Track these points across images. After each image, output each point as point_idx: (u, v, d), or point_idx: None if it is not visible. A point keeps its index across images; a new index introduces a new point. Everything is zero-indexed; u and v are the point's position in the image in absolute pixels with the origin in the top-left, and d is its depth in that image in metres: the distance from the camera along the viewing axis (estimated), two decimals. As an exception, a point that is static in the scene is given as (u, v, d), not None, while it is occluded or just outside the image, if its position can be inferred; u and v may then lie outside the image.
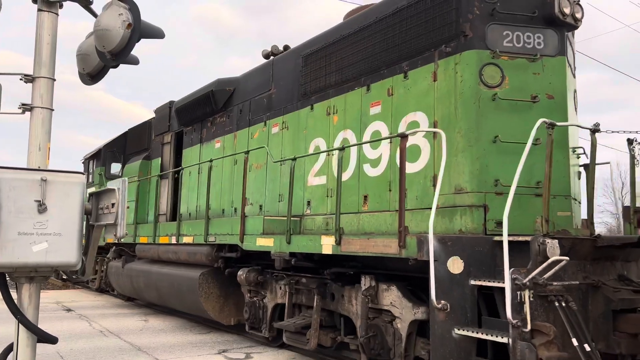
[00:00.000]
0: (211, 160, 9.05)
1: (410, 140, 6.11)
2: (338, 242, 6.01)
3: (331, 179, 7.31)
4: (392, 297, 5.85)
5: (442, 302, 4.79)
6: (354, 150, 6.99)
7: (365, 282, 6.09)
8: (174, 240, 9.96)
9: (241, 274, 8.08)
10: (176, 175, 11.81)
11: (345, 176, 7.05)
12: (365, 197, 6.70)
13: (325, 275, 6.80)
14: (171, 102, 12.52)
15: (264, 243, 7.37)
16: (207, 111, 10.55)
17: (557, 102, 5.71)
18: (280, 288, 7.66)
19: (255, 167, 9.06)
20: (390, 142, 6.44)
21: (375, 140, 6.47)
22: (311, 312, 6.86)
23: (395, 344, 5.77)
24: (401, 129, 6.29)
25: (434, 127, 5.85)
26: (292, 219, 7.29)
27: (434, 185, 5.75)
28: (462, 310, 4.85)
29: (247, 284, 7.99)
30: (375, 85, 6.79)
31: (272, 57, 9.18)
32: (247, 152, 8.06)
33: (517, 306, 4.36)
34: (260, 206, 8.76)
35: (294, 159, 6.99)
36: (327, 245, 6.21)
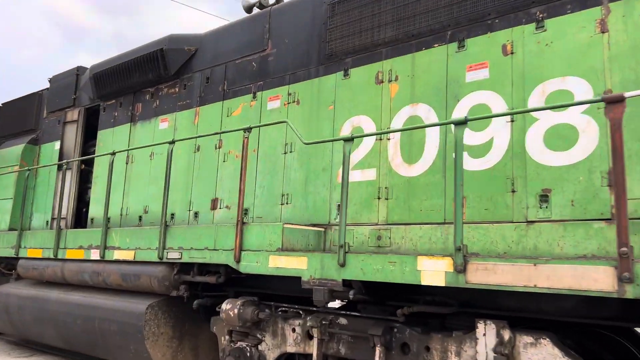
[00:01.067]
0: (173, 142, 6.25)
1: (556, 119, 4.11)
2: (461, 268, 3.76)
3: (387, 174, 5.04)
4: (542, 357, 3.73)
5: None
6: (432, 133, 4.81)
7: (488, 329, 3.91)
8: (95, 256, 6.88)
9: (229, 307, 5.41)
10: (83, 165, 8.67)
11: (417, 170, 4.85)
12: (464, 198, 4.53)
13: (392, 317, 4.50)
14: (79, 68, 9.29)
15: (289, 264, 4.83)
16: (149, 79, 7.68)
17: None
18: (294, 330, 5.17)
19: (235, 156, 6.45)
20: (512, 121, 4.38)
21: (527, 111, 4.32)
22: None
23: None
24: (536, 101, 4.26)
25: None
26: (315, 229, 4.93)
27: (611, 185, 3.79)
28: None
29: (240, 322, 5.34)
30: (476, 41, 4.71)
31: (269, 7, 6.68)
32: (248, 130, 5.44)
33: None
34: (246, 210, 6.17)
35: (351, 139, 4.60)
36: (433, 272, 3.92)
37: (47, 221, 9.05)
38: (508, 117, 4.38)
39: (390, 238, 4.93)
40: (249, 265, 5.15)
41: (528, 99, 4.32)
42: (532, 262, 3.50)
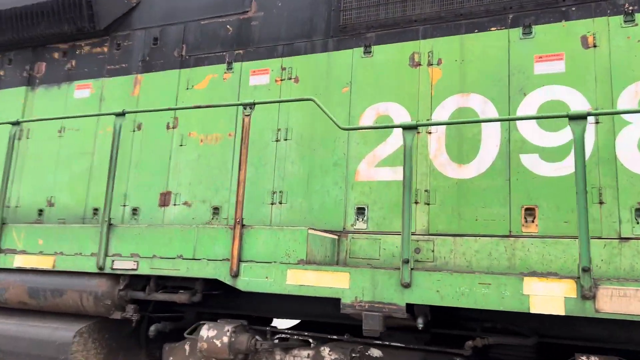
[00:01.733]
0: (123, 113, 4.68)
1: (652, 123, 3.66)
2: (590, 294, 3.06)
3: (427, 174, 4.21)
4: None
5: None
6: (490, 129, 4.10)
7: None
8: (-20, 262, 4.97)
9: (213, 335, 4.08)
10: None
11: (471, 171, 4.10)
12: (531, 209, 3.87)
13: (453, 349, 3.67)
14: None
15: (320, 282, 3.72)
16: (64, 31, 5.89)
17: None
18: (303, 365, 4.06)
19: (200, 140, 5.10)
20: (597, 122, 3.83)
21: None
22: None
23: None
24: (627, 101, 3.77)
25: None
26: (331, 236, 3.97)
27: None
28: None
29: (231, 354, 4.04)
30: (546, 28, 4.10)
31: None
32: (250, 106, 4.18)
33: None
34: (216, 208, 4.87)
35: (415, 127, 3.66)
36: (547, 298, 3.17)
37: None
38: (592, 118, 3.83)
39: (433, 251, 4.08)
40: (253, 281, 3.92)
41: (617, 99, 3.81)
42: (692, 288, 2.92)
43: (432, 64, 4.40)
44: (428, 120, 4.31)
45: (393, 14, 4.60)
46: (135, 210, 5.22)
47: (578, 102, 3.90)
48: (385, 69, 4.55)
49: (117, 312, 4.52)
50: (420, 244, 4.13)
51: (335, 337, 4.07)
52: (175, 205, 5.06)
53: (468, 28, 4.35)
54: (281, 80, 4.92)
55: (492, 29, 4.27)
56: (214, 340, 4.07)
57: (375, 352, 3.94)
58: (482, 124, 4.11)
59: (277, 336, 4.24)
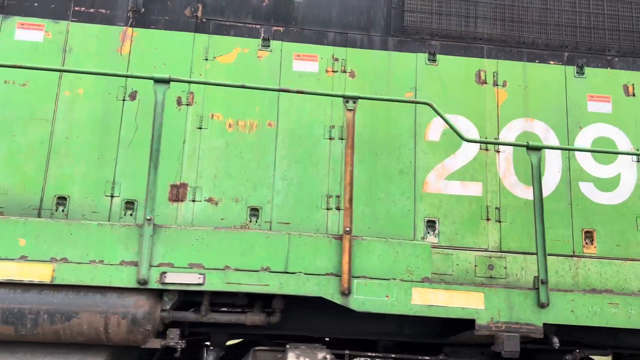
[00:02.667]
0: (168, 81, 3.58)
1: (677, 168, 4.49)
2: (695, 312, 3.61)
3: (497, 192, 4.32)
4: None
5: None
6: (552, 155, 4.42)
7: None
8: None
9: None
10: None
11: (531, 191, 4.36)
12: (590, 233, 4.32)
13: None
14: None
15: (451, 302, 3.49)
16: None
17: None
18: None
19: (228, 125, 4.22)
20: (638, 160, 4.48)
21: None
22: None
23: None
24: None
25: None
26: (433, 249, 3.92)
27: None
28: None
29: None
30: (598, 72, 4.62)
31: None
32: (353, 99, 3.63)
33: None
34: (254, 209, 4.10)
35: (539, 150, 3.72)
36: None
37: None
38: (634, 157, 4.47)
39: (506, 268, 4.20)
40: (369, 300, 3.46)
41: (651, 143, 4.52)
42: None
43: (497, 85, 4.52)
44: (495, 138, 4.41)
45: (457, 26, 4.57)
46: (130, 204, 4.02)
47: (622, 141, 4.50)
48: (452, 81, 4.49)
49: (154, 339, 3.44)
50: (492, 261, 4.20)
51: (426, 357, 3.84)
52: (194, 201, 4.07)
53: (529, 57, 4.60)
54: (333, 71, 4.41)
55: (551, 62, 4.60)
56: (301, 371, 3.44)
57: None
58: (546, 150, 4.40)
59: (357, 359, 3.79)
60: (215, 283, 3.39)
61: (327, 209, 4.18)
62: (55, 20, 4.26)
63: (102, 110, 4.15)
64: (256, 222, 4.09)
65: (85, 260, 3.34)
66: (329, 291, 3.44)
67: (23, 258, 3.31)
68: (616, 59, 4.66)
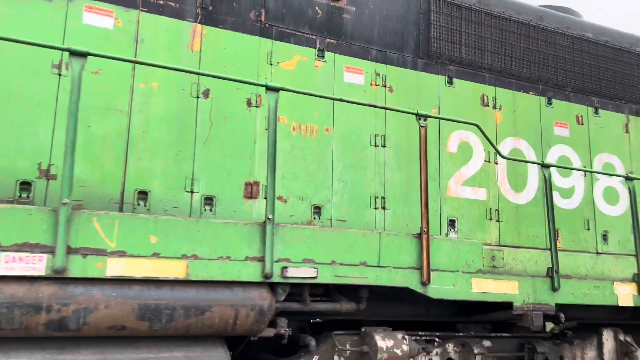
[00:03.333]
0: (277, 90, 3.85)
1: (608, 182, 5.95)
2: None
3: (496, 196, 5.32)
4: None
5: None
6: (533, 169, 5.55)
7: (609, 335, 5.28)
8: (37, 268, 3.08)
9: (391, 345, 4.04)
10: None
11: (523, 198, 5.47)
12: (558, 231, 5.54)
13: (535, 333, 5.00)
14: None
15: (498, 289, 4.37)
16: None
17: None
18: (432, 362, 4.54)
19: (292, 128, 4.56)
20: (585, 175, 5.82)
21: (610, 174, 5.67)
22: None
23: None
24: (596, 166, 5.90)
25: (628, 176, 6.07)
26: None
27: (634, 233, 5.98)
28: None
29: (406, 362, 4.10)
30: (560, 104, 5.84)
31: None
32: (423, 117, 4.26)
33: None
34: (317, 207, 4.52)
35: (548, 167, 4.76)
36: (625, 295, 4.93)
37: None
38: (581, 173, 5.79)
39: (503, 259, 5.22)
40: (442, 289, 4.19)
41: (593, 163, 5.89)
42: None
43: (495, 108, 5.49)
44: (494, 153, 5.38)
45: (469, 56, 5.43)
46: (209, 200, 4.17)
47: (575, 160, 5.79)
48: (464, 101, 5.34)
49: (268, 328, 3.74)
50: (494, 253, 5.19)
51: (460, 334, 4.68)
52: (265, 198, 4.35)
53: (517, 86, 5.65)
54: (376, 85, 4.97)
55: (531, 92, 5.71)
56: (394, 350, 4.06)
57: (486, 343, 4.79)
58: (528, 165, 5.49)
59: (414, 338, 4.47)
60: (326, 276, 3.81)
61: (375, 208, 4.77)
62: (125, 8, 4.14)
63: (177, 106, 4.18)
64: (319, 219, 4.51)
65: (214, 257, 3.51)
66: (412, 282, 4.08)
67: (155, 255, 3.37)
68: (572, 94, 5.94)
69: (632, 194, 5.33)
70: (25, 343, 3.19)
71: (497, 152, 4.70)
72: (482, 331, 5.05)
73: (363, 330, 4.21)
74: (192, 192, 4.13)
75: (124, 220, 3.34)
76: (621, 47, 6.27)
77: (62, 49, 3.45)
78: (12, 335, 3.11)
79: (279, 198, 4.40)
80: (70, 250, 3.16)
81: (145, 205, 3.97)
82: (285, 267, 3.68)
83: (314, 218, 4.50)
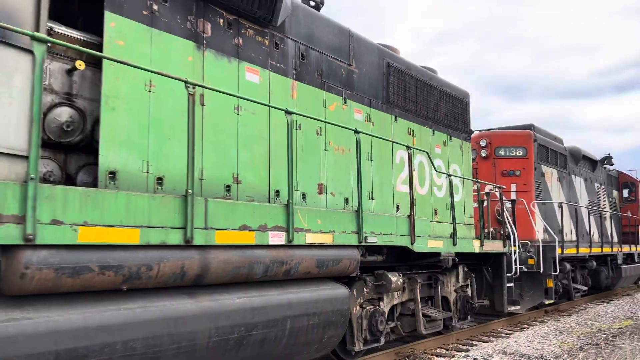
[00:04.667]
0: (328, 124, 6.61)
1: (455, 181, 10.06)
2: (482, 245, 9.19)
3: (414, 191, 8.86)
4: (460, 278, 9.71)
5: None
6: (427, 174, 9.24)
7: (461, 269, 9.43)
8: (276, 240, 5.41)
9: (395, 279, 7.26)
10: (82, 65, 4.92)
11: (423, 191, 9.14)
12: (436, 210, 9.37)
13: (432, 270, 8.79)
14: None
15: (435, 245, 7.92)
16: (242, 6, 5.94)
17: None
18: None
19: (334, 149, 7.28)
20: (448, 177, 9.76)
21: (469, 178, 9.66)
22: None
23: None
24: (451, 171, 9.91)
25: (463, 177, 10.27)
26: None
27: (464, 211, 10.27)
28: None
29: (395, 289, 7.34)
30: (438, 133, 9.62)
31: (348, 28, 7.69)
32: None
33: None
34: (347, 199, 7.37)
35: (450, 178, 8.49)
36: (476, 246, 9.03)
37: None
38: (445, 175, 9.73)
39: (434, 229, 8.81)
40: (419, 246, 7.55)
41: (449, 170, 9.87)
42: (491, 241, 9.59)
43: (413, 136, 8.94)
44: (414, 165, 8.86)
45: (404, 103, 8.74)
46: (304, 195, 6.66)
47: (444, 168, 9.68)
48: (401, 133, 8.65)
49: (355, 272, 6.55)
50: (432, 225, 8.72)
51: (411, 272, 8.09)
52: (326, 194, 7.01)
53: (421, 122, 9.19)
54: (366, 121, 7.92)
55: (425, 126, 9.33)
56: (397, 282, 7.28)
57: (420, 277, 8.31)
58: (426, 172, 9.14)
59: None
60: (379, 241, 6.77)
61: (369, 199, 7.78)
62: (263, 69, 6.27)
63: (285, 134, 6.49)
64: (347, 207, 7.34)
65: (342, 231, 6.17)
66: (408, 243, 7.31)
67: (320, 231, 5.90)
68: (442, 127, 9.78)
69: (450, 185, 9.41)
70: (272, 284, 5.45)
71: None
72: (416, 268, 8.53)
73: (377, 272, 7.28)
74: (297, 190, 6.56)
75: (309, 211, 5.78)
76: (460, 97, 10.36)
77: (237, 96, 5.53)
78: (269, 279, 5.36)
79: (331, 194, 7.09)
80: (294, 229, 5.51)
81: (278, 200, 6.28)
82: (366, 237, 6.53)
83: (345, 207, 7.31)
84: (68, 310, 3.76)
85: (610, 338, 9.87)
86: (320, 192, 6.89)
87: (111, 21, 4.76)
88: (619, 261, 17.36)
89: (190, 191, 4.53)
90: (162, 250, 4.35)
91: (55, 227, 3.67)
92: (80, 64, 4.53)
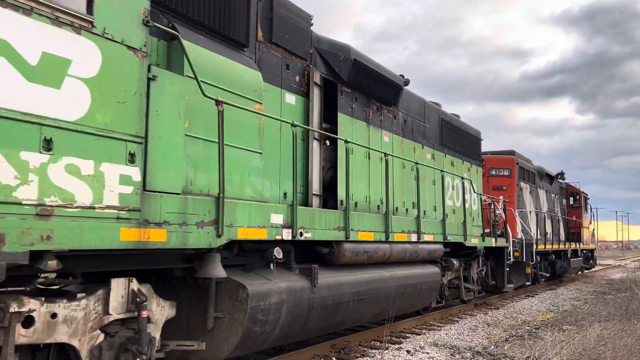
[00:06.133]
0: (417, 164, 10.71)
1: (473, 195, 14.33)
2: (496, 241, 13.50)
3: (456, 205, 13.03)
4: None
5: (510, 261, 14.72)
6: (460, 192, 13.42)
7: (480, 258, 13.73)
8: (413, 238, 9.45)
9: (456, 263, 11.40)
10: (328, 142, 8.71)
11: (458, 204, 13.32)
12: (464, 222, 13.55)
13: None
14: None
15: (474, 241, 12.12)
16: (382, 96, 9.85)
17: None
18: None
19: (422, 179, 11.33)
20: (479, 195, 13.98)
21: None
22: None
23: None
24: (466, 192, 14.13)
25: (480, 194, 14.48)
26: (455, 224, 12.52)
27: (479, 216, 14.55)
28: (503, 263, 14.83)
29: (456, 269, 11.49)
30: (465, 163, 13.81)
31: (423, 99, 11.72)
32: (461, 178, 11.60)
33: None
34: (424, 212, 11.41)
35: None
36: (493, 242, 13.32)
37: (285, 193, 7.43)
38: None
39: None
40: (468, 242, 11.70)
41: (465, 186, 14.12)
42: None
43: (454, 166, 13.09)
44: (456, 187, 13.04)
45: (450, 144, 12.87)
46: (406, 210, 10.66)
47: (459, 183, 13.92)
48: (448, 165, 12.77)
49: (439, 259, 10.61)
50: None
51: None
52: (416, 209, 11.03)
53: (454, 156, 13.36)
54: (432, 158, 11.98)
55: (456, 157, 13.51)
56: (456, 264, 11.43)
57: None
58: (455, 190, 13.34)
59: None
60: (452, 239, 10.88)
61: (434, 211, 11.86)
62: (389, 133, 10.21)
63: (399, 172, 10.46)
64: (425, 217, 11.38)
65: (436, 233, 10.23)
66: (462, 240, 11.47)
67: (430, 232, 9.93)
68: (464, 157, 13.98)
69: (478, 199, 13.68)
70: (410, 264, 9.44)
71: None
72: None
73: (444, 258, 11.39)
74: (407, 208, 10.54)
75: (424, 221, 9.82)
76: (476, 136, 14.60)
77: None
78: (409, 261, 9.35)
79: (424, 211, 11.14)
80: (420, 232, 9.53)
81: (397, 213, 10.24)
82: (447, 236, 10.62)
83: (422, 217, 11.36)
84: (354, 272, 7.66)
85: (534, 330, 10.55)
86: (413, 207, 10.92)
87: (340, 117, 8.60)
88: (569, 255, 22.31)
89: (384, 212, 8.42)
90: (378, 244, 8.28)
91: (353, 232, 7.55)
92: (327, 142, 8.38)
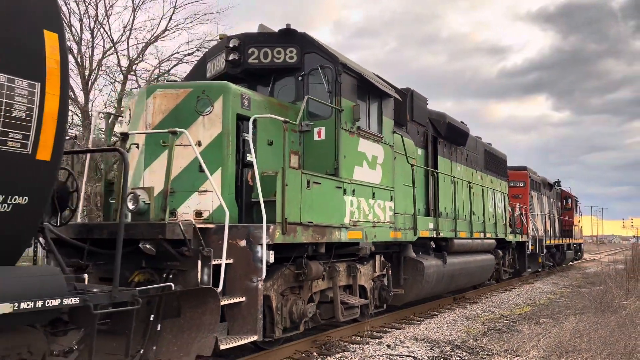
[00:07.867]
0: (483, 187, 15.74)
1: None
2: (521, 237, 18.58)
3: (495, 213, 18.03)
4: (510, 254, 19.14)
5: (529, 252, 19.86)
6: (498, 201, 18.42)
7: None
8: (481, 235, 14.46)
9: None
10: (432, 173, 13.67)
11: (493, 210, 18.32)
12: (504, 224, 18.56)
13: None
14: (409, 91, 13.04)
15: (511, 237, 17.15)
16: (458, 140, 14.78)
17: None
18: (493, 257, 17.08)
19: (474, 194, 16.30)
20: (510, 205, 19.01)
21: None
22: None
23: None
24: (498, 201, 19.14)
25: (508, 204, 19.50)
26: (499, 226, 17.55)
27: (506, 218, 19.61)
28: (524, 254, 19.95)
29: (500, 257, 16.52)
30: (498, 179, 18.80)
31: (476, 137, 16.70)
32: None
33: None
34: (478, 217, 16.38)
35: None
36: (519, 238, 18.39)
37: (419, 209, 12.29)
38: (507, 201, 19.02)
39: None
40: (508, 239, 16.74)
41: (496, 198, 19.16)
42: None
43: (492, 182, 18.13)
44: (494, 199, 18.06)
45: (484, 165, 17.90)
46: (471, 217, 15.64)
47: (499, 200, 18.97)
48: (489, 181, 17.80)
49: (494, 251, 15.63)
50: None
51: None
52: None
53: (481, 171, 18.40)
54: (481, 179, 16.97)
55: (493, 176, 18.54)
56: (502, 254, 16.48)
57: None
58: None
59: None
60: (502, 236, 15.91)
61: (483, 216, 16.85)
62: (458, 164, 15.18)
63: (466, 191, 15.40)
64: (478, 221, 16.37)
65: (492, 232, 15.24)
66: (505, 237, 16.51)
67: (480, 231, 14.93)
68: (498, 176, 19.02)
69: (505, 206, 18.75)
70: (477, 253, 14.45)
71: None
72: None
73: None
74: (466, 215, 15.52)
75: (474, 224, 14.84)
76: (503, 158, 19.62)
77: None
78: (477, 251, 14.35)
79: (477, 217, 16.13)
80: (485, 232, 14.54)
81: (466, 220, 15.22)
82: (499, 234, 15.65)
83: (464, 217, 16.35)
84: (458, 257, 12.67)
85: (511, 323, 10.62)
86: (473, 214, 15.87)
87: (439, 159, 13.53)
88: (565, 248, 27.61)
89: (469, 219, 13.37)
90: (467, 239, 13.28)
91: (458, 232, 12.54)
92: (435, 174, 13.39)
